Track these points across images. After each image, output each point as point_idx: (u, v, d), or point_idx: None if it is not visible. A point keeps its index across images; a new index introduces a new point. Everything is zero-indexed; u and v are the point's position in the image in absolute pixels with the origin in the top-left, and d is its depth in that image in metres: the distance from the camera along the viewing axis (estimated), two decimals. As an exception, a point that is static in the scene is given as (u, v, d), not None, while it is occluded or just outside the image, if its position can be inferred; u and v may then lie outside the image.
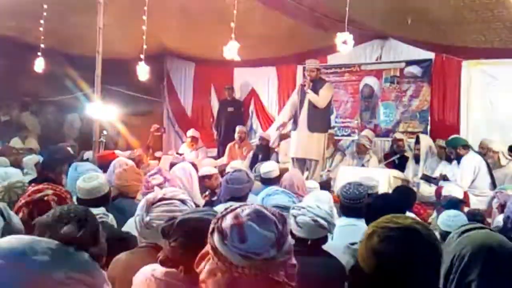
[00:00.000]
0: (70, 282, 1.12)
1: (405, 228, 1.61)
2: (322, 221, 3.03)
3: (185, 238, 2.08)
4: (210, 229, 1.69)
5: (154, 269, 2.13)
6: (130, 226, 3.57)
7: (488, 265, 1.68)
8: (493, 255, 1.70)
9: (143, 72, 8.23)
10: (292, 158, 8.53)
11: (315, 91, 8.18)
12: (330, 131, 9.93)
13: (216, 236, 1.65)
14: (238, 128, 10.73)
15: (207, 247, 1.73)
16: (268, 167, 6.15)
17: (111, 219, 3.54)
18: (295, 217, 3.06)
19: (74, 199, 3.47)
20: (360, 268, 1.64)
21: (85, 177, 3.71)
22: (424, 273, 1.57)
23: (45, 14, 8.17)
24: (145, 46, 7.69)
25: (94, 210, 3.11)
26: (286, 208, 3.26)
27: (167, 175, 4.25)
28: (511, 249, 1.74)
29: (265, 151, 9.79)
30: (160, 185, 4.00)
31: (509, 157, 7.82)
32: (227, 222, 1.67)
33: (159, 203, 2.64)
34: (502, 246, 1.73)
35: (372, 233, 1.64)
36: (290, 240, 1.71)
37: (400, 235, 1.59)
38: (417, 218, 1.73)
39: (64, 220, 2.22)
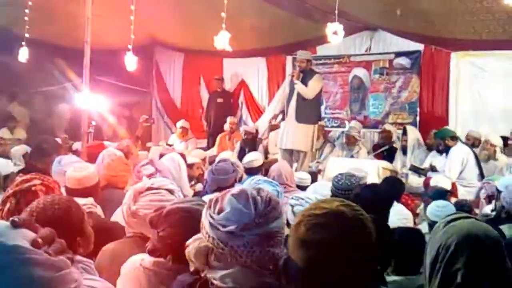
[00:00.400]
0: None
1: (331, 213, 1.55)
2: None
3: (173, 227, 2.09)
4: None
5: (142, 259, 2.13)
6: (118, 216, 3.57)
7: (474, 254, 1.68)
8: (479, 243, 1.70)
9: (130, 62, 8.18)
10: (280, 149, 8.54)
11: (305, 82, 8.15)
12: (320, 122, 9.97)
13: (205, 208, 1.73)
14: (229, 119, 10.72)
15: None
16: (250, 157, 6.17)
17: (99, 209, 3.53)
18: (292, 206, 3.09)
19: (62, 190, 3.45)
20: (291, 260, 1.58)
21: (75, 167, 3.71)
22: (353, 257, 1.52)
23: (30, 3, 8.07)
24: (133, 37, 7.64)
25: (83, 201, 3.12)
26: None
27: (158, 166, 4.24)
28: (497, 238, 1.74)
29: (251, 144, 9.76)
30: (151, 176, 3.99)
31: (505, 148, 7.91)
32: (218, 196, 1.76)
33: (146, 192, 2.65)
34: (488, 234, 1.73)
35: (299, 222, 1.57)
36: (276, 228, 1.70)
37: (325, 221, 1.53)
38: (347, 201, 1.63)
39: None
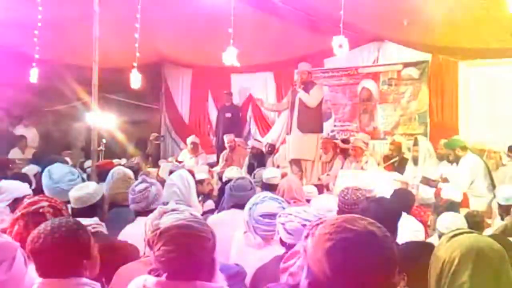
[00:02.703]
0: None
1: (359, 232, 1.54)
2: (311, 225, 3.00)
3: (166, 245, 2.10)
4: (305, 233, 1.78)
5: (145, 279, 2.13)
6: (126, 235, 3.57)
7: (479, 266, 1.67)
8: (483, 256, 1.69)
9: (135, 80, 8.16)
10: (290, 162, 8.59)
11: (307, 91, 8.35)
12: (330, 134, 10.00)
13: (309, 241, 1.72)
14: (226, 138, 10.70)
15: (298, 246, 1.84)
16: (270, 173, 6.06)
17: (104, 228, 3.53)
18: (283, 224, 3.02)
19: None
20: (312, 272, 1.57)
21: (77, 186, 3.72)
22: (378, 277, 1.51)
23: (39, 24, 8.13)
24: (138, 54, 7.67)
25: (88, 221, 3.12)
26: (275, 215, 3.22)
27: (151, 181, 4.22)
28: (500, 250, 1.73)
29: (259, 159, 9.77)
30: (145, 190, 3.97)
31: (509, 157, 7.82)
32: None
33: (171, 212, 2.73)
34: (491, 247, 1.73)
35: (325, 237, 1.56)
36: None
37: (353, 239, 1.53)
38: (376, 222, 1.63)
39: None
